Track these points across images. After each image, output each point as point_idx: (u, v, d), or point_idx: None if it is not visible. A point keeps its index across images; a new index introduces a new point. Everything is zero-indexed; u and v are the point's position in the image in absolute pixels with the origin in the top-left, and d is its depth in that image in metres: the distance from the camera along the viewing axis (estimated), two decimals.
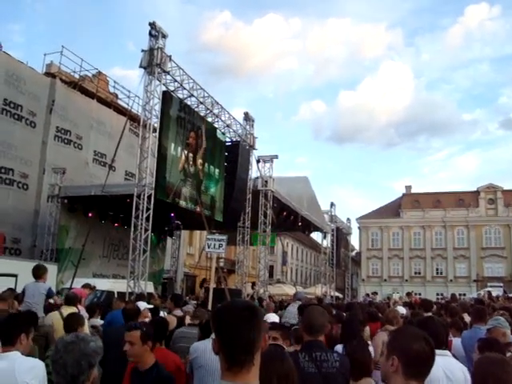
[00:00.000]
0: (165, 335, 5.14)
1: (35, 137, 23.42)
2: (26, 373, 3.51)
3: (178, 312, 8.99)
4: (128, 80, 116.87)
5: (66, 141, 24.87)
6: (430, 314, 9.05)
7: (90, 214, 22.49)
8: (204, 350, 4.35)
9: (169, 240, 30.09)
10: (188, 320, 7.95)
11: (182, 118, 17.18)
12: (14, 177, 22.36)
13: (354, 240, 74.88)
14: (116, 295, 16.29)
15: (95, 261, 23.91)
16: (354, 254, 62.65)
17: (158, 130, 15.80)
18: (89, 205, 22.26)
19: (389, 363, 2.42)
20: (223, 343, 1.96)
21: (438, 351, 4.07)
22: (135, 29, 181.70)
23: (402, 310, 9.71)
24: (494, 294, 26.15)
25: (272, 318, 6.06)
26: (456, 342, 6.50)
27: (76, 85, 26.07)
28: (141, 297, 10.10)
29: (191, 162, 17.91)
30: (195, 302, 21.17)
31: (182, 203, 17.53)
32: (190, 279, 40.14)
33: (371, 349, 6.40)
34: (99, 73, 28.86)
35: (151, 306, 8.01)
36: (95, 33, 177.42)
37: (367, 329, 7.48)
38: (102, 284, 17.93)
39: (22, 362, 3.58)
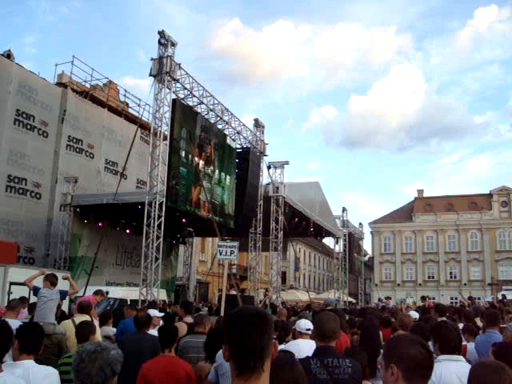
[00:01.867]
0: (173, 342, 5.13)
1: (47, 146, 23.64)
2: (41, 381, 3.54)
3: (189, 319, 8.99)
4: (139, 89, 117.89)
5: (77, 150, 25.08)
6: (443, 318, 8.99)
7: (101, 223, 22.62)
8: None
9: (181, 247, 30.16)
10: None
11: (194, 128, 17.26)
12: (27, 186, 22.57)
13: (367, 245, 74.71)
14: (129, 303, 16.36)
15: (109, 269, 24.01)
16: (366, 258, 62.36)
17: (168, 138, 15.83)
18: (101, 213, 22.39)
19: (389, 373, 2.39)
20: (233, 349, 1.96)
21: (451, 357, 4.07)
22: (146, 38, 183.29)
23: (415, 314, 9.62)
24: (509, 297, 25.90)
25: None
26: (470, 346, 6.42)
27: (87, 94, 26.31)
28: (153, 304, 10.11)
29: (202, 169, 17.94)
30: (207, 308, 21.22)
31: (194, 210, 17.56)
32: (202, 286, 40.17)
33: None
34: (110, 82, 29.08)
35: (162, 314, 8.01)
36: (106, 43, 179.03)
37: (380, 334, 7.44)
38: (116, 292, 18.01)
39: (36, 370, 3.61)
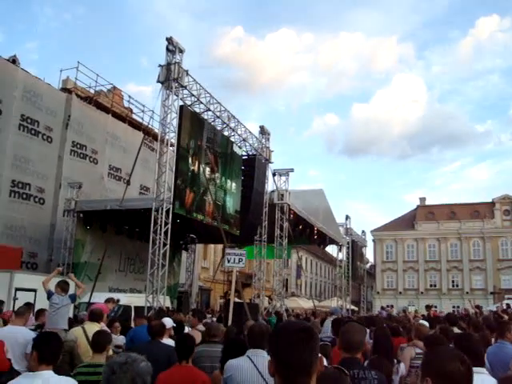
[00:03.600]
0: (191, 352, 5.05)
1: (51, 151, 23.58)
2: None
3: (201, 327, 8.90)
4: (142, 96, 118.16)
5: (81, 155, 25.03)
6: (455, 328, 8.89)
7: (105, 229, 22.52)
8: (239, 367, 4.28)
9: (183, 254, 30.06)
10: None
11: (201, 134, 17.23)
12: (31, 191, 22.51)
13: (369, 253, 74.47)
14: (133, 310, 16.26)
15: (111, 275, 23.87)
16: (368, 266, 62.25)
17: (175, 145, 15.76)
18: (104, 219, 22.30)
19: None
20: (280, 364, 1.93)
21: (475, 369, 3.98)
22: (148, 45, 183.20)
23: (426, 324, 9.53)
24: None
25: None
26: None
27: (91, 100, 26.29)
28: (161, 312, 10.01)
29: (209, 177, 17.88)
30: (210, 315, 21.08)
31: (200, 217, 17.48)
32: (204, 293, 40.07)
33: (402, 365, 6.29)
34: (114, 88, 29.08)
35: (173, 324, 7.92)
36: (108, 50, 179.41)
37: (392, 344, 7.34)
38: (119, 298, 17.90)
39: (56, 380, 3.53)
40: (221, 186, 19.09)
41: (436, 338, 5.80)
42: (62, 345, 3.86)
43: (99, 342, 4.92)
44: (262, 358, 4.36)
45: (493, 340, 7.20)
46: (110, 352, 5.74)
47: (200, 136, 17.15)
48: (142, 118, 29.64)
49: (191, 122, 16.59)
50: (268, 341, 2.11)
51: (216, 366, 5.59)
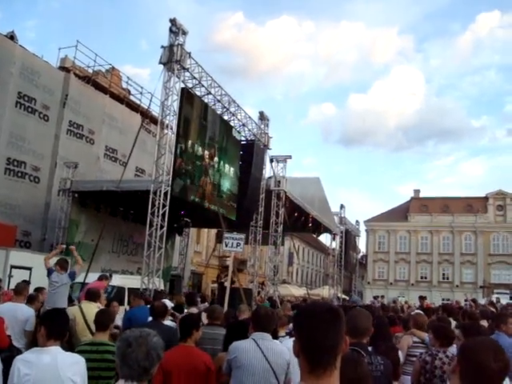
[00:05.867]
0: (195, 331, 5.01)
1: (48, 130, 23.38)
2: (69, 368, 3.45)
3: (194, 310, 8.91)
4: (139, 78, 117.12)
5: (78, 135, 24.84)
6: (450, 319, 8.94)
7: (100, 209, 22.44)
8: (244, 349, 4.28)
9: (177, 237, 30.04)
10: (204, 318, 7.83)
11: (201, 118, 17.13)
12: (26, 170, 22.34)
13: (361, 242, 74.70)
14: (127, 291, 16.27)
15: (105, 256, 23.79)
16: (360, 256, 62.51)
17: (175, 127, 15.66)
18: (99, 200, 22.22)
19: (455, 379, 2.30)
20: (305, 346, 1.91)
21: None
22: (148, 28, 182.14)
23: (422, 313, 9.60)
24: (503, 301, 26.01)
25: None
26: None
27: (89, 79, 26.03)
28: (158, 294, 10.02)
29: (208, 160, 17.81)
30: (200, 300, 21.12)
31: (200, 202, 17.43)
32: (196, 277, 40.17)
33: (399, 353, 6.32)
34: (113, 68, 28.80)
35: (172, 305, 7.92)
36: (107, 32, 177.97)
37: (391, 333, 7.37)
38: (113, 280, 17.85)
39: (64, 357, 3.52)
40: (219, 170, 19.03)
41: (472, 326, 5.73)
42: (68, 321, 3.84)
43: (103, 321, 4.90)
44: (266, 341, 4.36)
45: None
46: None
47: (200, 119, 17.05)
48: (140, 100, 29.45)
49: (192, 104, 16.47)
50: (293, 321, 2.10)
51: (217, 348, 5.60)
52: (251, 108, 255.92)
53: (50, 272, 8.72)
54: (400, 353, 6.35)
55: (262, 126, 22.14)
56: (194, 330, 4.91)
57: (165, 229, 15.00)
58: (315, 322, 1.90)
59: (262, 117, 22.11)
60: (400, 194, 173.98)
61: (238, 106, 19.90)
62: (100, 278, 10.96)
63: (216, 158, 18.59)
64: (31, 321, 6.79)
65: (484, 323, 8.97)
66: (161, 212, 14.84)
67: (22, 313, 6.82)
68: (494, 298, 29.78)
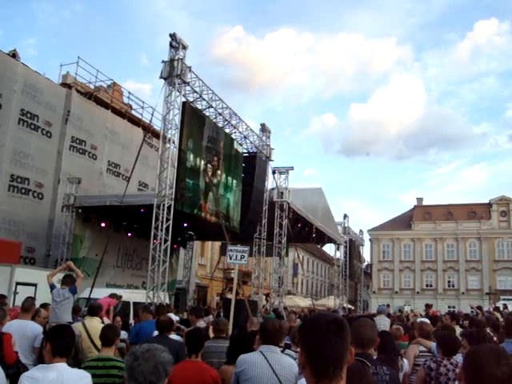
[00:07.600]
0: (201, 347, 5.04)
1: (51, 146, 23.51)
2: None
3: (202, 323, 8.90)
4: (140, 93, 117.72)
5: (80, 151, 24.96)
6: (457, 327, 8.92)
7: (103, 224, 22.46)
8: (252, 362, 4.28)
9: (181, 251, 30.04)
10: (210, 331, 7.83)
11: (203, 131, 17.19)
12: (30, 186, 22.43)
13: (365, 252, 74.58)
14: (132, 306, 16.27)
15: (109, 270, 23.81)
16: (364, 265, 62.32)
17: (178, 141, 15.73)
18: (103, 215, 22.24)
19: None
20: (311, 357, 1.93)
21: None
22: (147, 43, 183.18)
23: (428, 322, 9.58)
24: (510, 307, 25.86)
25: None
26: None
27: (91, 95, 26.21)
28: (162, 308, 10.00)
29: (210, 173, 17.84)
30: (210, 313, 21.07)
31: (203, 215, 17.44)
32: (201, 290, 40.10)
33: (405, 361, 6.30)
34: (114, 84, 28.99)
35: (178, 318, 7.92)
36: (106, 47, 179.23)
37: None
38: (122, 295, 17.88)
39: (70, 373, 3.53)
40: (221, 183, 19.04)
41: (477, 334, 5.69)
42: (74, 337, 3.85)
43: (108, 336, 4.91)
44: (274, 353, 4.36)
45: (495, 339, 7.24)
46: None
47: (202, 133, 17.10)
48: (142, 115, 29.64)
49: (193, 118, 16.54)
50: (298, 333, 2.12)
51: (223, 361, 5.59)
52: (252, 120, 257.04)
53: (51, 288, 8.75)
54: (406, 362, 6.33)
55: (264, 138, 22.17)
56: (201, 348, 4.94)
57: (169, 242, 15.00)
58: (320, 334, 1.92)
59: (264, 129, 22.14)
60: (403, 202, 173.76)
61: (240, 118, 19.95)
62: (111, 296, 10.98)
63: (219, 171, 18.62)
64: (40, 337, 6.82)
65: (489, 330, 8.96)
66: (164, 226, 14.85)
67: (31, 330, 6.85)
68: (500, 304, 29.62)
